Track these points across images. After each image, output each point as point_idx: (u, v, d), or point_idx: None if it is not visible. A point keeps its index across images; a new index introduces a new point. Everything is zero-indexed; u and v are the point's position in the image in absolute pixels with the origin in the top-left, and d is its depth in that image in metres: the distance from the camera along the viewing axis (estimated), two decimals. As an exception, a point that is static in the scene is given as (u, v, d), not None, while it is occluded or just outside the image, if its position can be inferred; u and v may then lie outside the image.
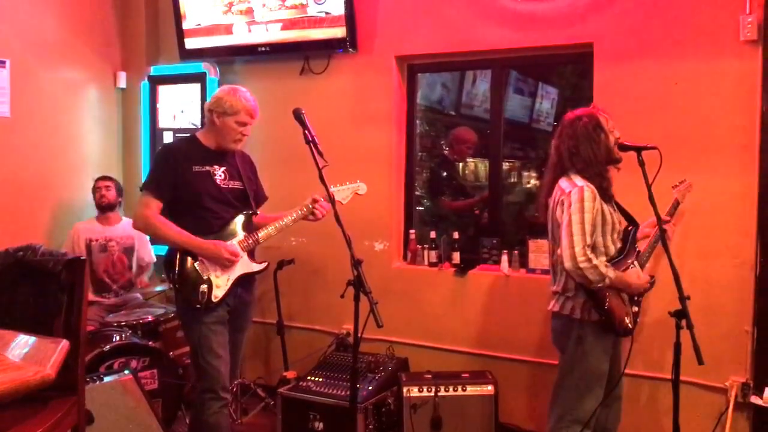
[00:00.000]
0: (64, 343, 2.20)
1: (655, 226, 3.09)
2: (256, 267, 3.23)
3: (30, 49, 4.40)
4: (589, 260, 2.72)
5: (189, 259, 3.05)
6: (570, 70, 5.60)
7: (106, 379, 3.44)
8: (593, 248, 2.81)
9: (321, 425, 3.71)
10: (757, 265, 3.33)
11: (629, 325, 2.88)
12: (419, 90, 4.62)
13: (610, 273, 2.76)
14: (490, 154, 4.36)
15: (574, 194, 2.79)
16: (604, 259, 2.84)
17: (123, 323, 3.94)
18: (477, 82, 5.66)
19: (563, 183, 2.89)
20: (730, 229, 3.40)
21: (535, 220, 4.00)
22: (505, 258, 3.99)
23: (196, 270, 3.05)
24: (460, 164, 5.32)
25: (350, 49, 4.24)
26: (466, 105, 5.68)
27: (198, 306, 3.03)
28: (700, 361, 2.50)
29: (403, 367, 4.03)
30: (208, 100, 3.22)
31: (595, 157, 2.85)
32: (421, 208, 5.07)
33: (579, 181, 2.84)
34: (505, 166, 5.57)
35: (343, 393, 3.66)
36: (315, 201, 3.23)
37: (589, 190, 2.80)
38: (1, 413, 2.03)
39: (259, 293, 4.50)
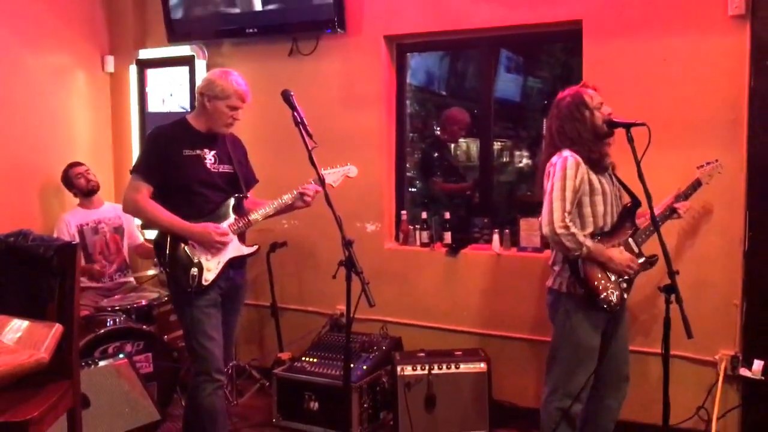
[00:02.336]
0: (58, 327, 2.22)
1: (666, 207, 3.12)
2: (246, 250, 3.22)
3: (16, 34, 4.36)
4: (567, 227, 2.77)
5: (179, 242, 3.05)
6: (560, 48, 5.58)
7: (101, 363, 3.46)
8: (581, 218, 2.87)
9: (316, 405, 3.75)
10: (745, 239, 3.36)
11: (613, 300, 2.90)
12: (409, 69, 4.61)
13: (588, 242, 2.80)
14: (480, 134, 4.36)
15: (558, 164, 2.86)
16: (591, 229, 2.89)
17: (117, 308, 3.94)
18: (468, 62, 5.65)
19: (553, 159, 2.93)
20: (719, 204, 3.43)
21: (526, 199, 4.03)
22: (496, 237, 4.00)
23: (187, 254, 3.05)
24: (452, 144, 5.32)
25: (338, 30, 4.22)
26: (457, 84, 5.68)
27: (189, 289, 3.04)
28: (690, 335, 2.52)
29: (396, 346, 4.06)
30: (199, 82, 3.19)
31: (579, 135, 2.89)
32: (413, 189, 5.07)
33: (565, 152, 2.89)
34: (497, 145, 5.58)
35: (337, 373, 3.69)
36: (305, 188, 3.21)
37: (572, 159, 2.85)
38: (-3, 397, 2.04)
39: (252, 276, 4.52)
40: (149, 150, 3.14)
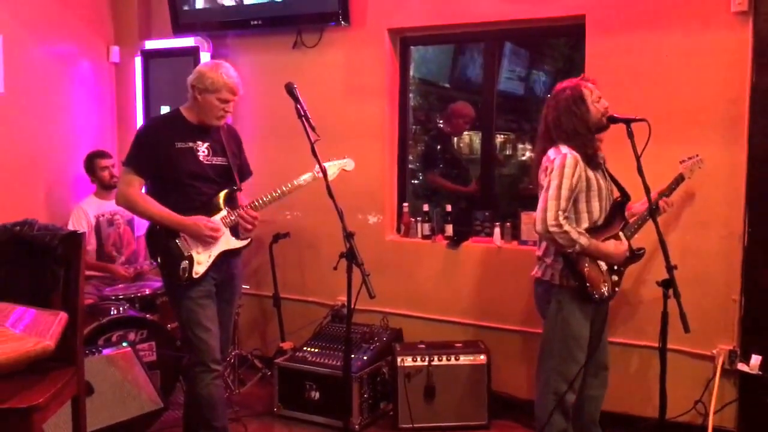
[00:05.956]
0: (63, 315, 2.25)
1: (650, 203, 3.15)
2: (238, 243, 3.22)
3: (22, 24, 4.37)
4: (560, 225, 2.79)
5: (171, 235, 3.06)
6: (564, 42, 5.59)
7: (105, 351, 3.48)
8: (576, 214, 2.90)
9: (317, 395, 3.79)
10: (744, 235, 3.37)
11: (605, 292, 2.94)
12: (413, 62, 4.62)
13: (582, 240, 2.82)
14: (482, 127, 4.37)
15: (557, 161, 2.87)
16: (586, 225, 2.91)
17: (121, 296, 3.98)
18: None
19: (551, 152, 2.94)
20: (719, 200, 3.44)
21: (528, 193, 4.04)
22: (497, 230, 4.02)
23: (178, 246, 3.05)
24: (455, 137, 5.33)
25: (343, 23, 4.22)
26: (460, 77, 5.68)
27: (180, 282, 3.05)
28: (687, 329, 2.55)
29: (397, 337, 4.09)
30: (191, 75, 3.14)
31: (575, 129, 2.91)
32: (415, 181, 5.09)
33: (564, 149, 2.90)
34: (500, 138, 5.59)
35: (338, 363, 3.71)
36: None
37: (571, 156, 2.86)
38: (3, 383, 2.08)
39: (254, 266, 4.57)
40: (141, 142, 3.11)
